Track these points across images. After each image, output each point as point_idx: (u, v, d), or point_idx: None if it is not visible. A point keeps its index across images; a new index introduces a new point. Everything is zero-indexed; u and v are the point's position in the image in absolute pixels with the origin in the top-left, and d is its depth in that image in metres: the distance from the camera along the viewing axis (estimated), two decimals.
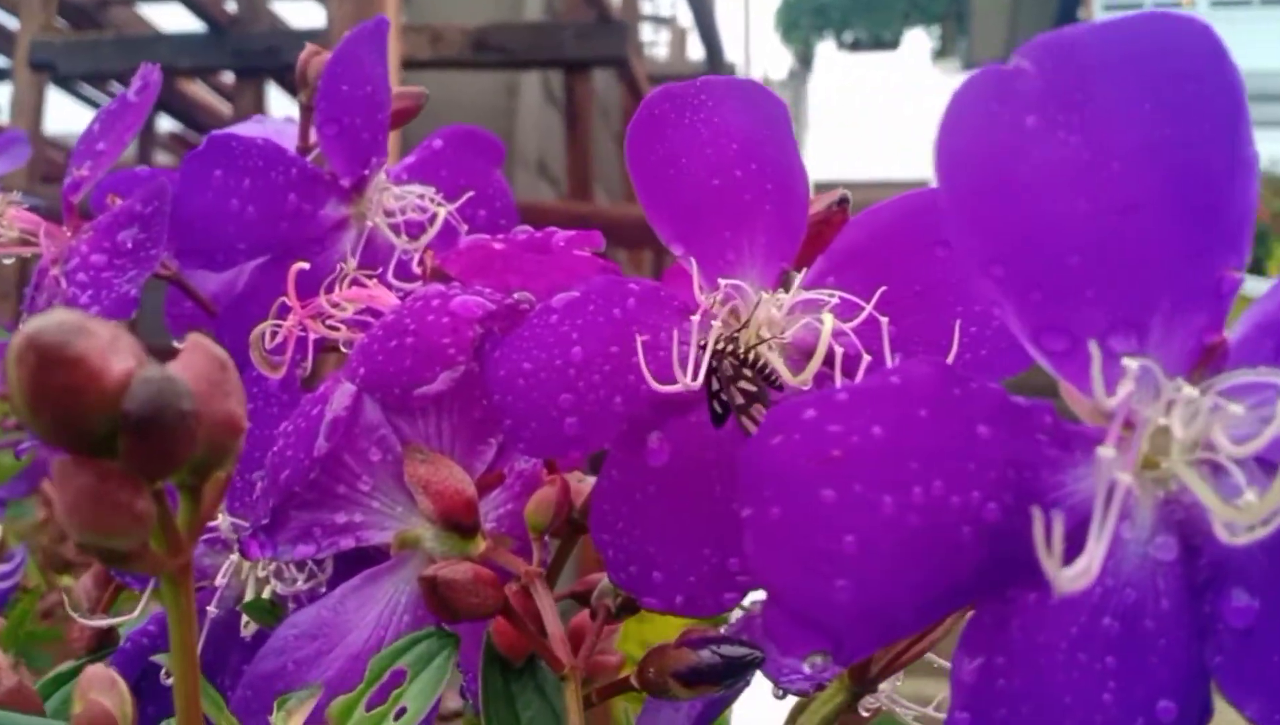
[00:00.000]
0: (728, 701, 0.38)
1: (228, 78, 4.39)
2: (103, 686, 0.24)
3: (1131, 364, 0.21)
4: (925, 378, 0.22)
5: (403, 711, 0.29)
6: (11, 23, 4.64)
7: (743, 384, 0.32)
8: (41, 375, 0.18)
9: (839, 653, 0.22)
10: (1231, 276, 0.22)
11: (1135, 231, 0.21)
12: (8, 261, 0.48)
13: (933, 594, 0.22)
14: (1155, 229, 0.21)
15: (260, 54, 3.47)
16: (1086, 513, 0.22)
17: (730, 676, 0.32)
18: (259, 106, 3.52)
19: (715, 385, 0.32)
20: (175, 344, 0.42)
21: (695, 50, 6.61)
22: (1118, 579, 0.22)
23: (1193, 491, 0.21)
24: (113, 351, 0.18)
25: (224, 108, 5.08)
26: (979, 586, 0.22)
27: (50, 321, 0.17)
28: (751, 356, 0.33)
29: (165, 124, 5.47)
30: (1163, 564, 0.23)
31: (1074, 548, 0.22)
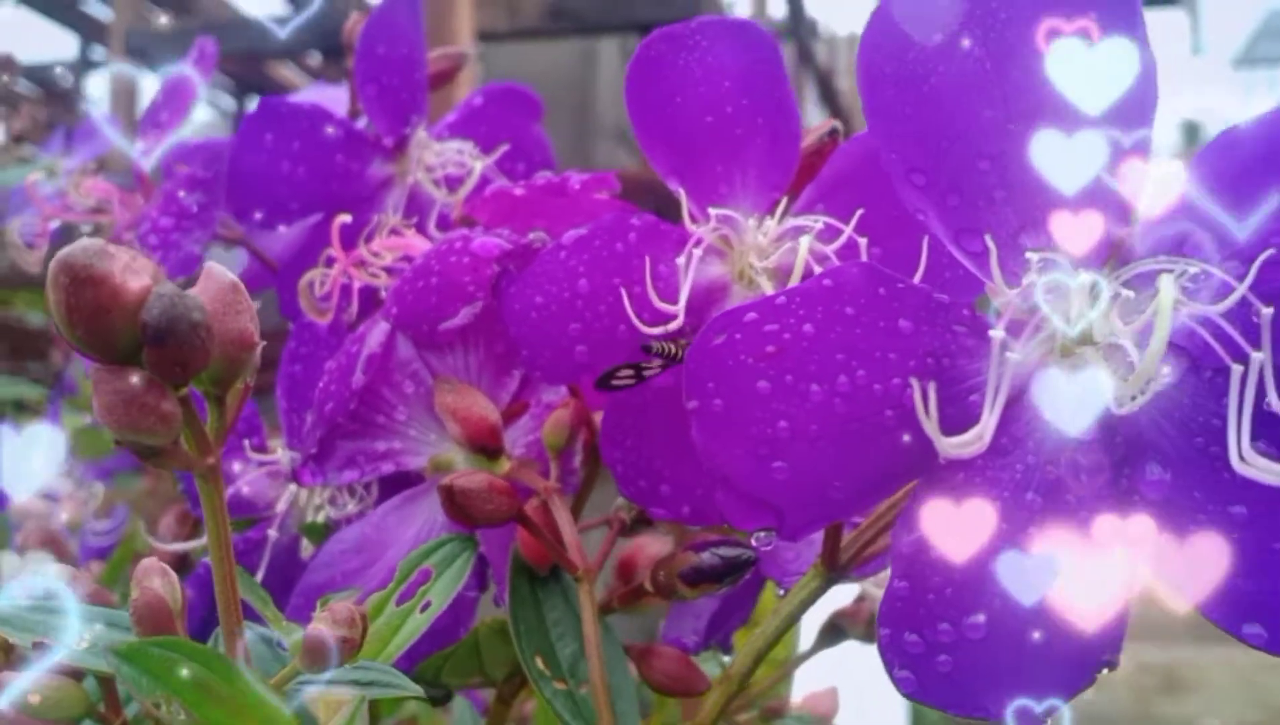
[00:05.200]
0: (741, 607, 0.41)
1: (315, 58, 4.49)
2: (155, 574, 0.27)
3: (1033, 257, 0.23)
4: (853, 279, 0.24)
5: (428, 605, 0.32)
6: (105, 13, 4.80)
7: None
8: (72, 293, 0.21)
9: (784, 528, 0.25)
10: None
11: (1038, 136, 0.23)
12: (86, 229, 0.52)
13: (863, 474, 0.24)
14: (1057, 133, 0.23)
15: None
16: (1009, 396, 0.24)
17: (728, 575, 0.35)
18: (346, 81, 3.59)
19: None
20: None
21: (777, 7, 6.53)
22: (1039, 457, 0.25)
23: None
24: (131, 272, 0.21)
25: None
26: (909, 469, 0.25)
27: (77, 247, 0.21)
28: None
29: None
30: (1083, 443, 0.25)
31: (1002, 426, 0.25)
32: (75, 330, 0.22)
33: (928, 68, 0.24)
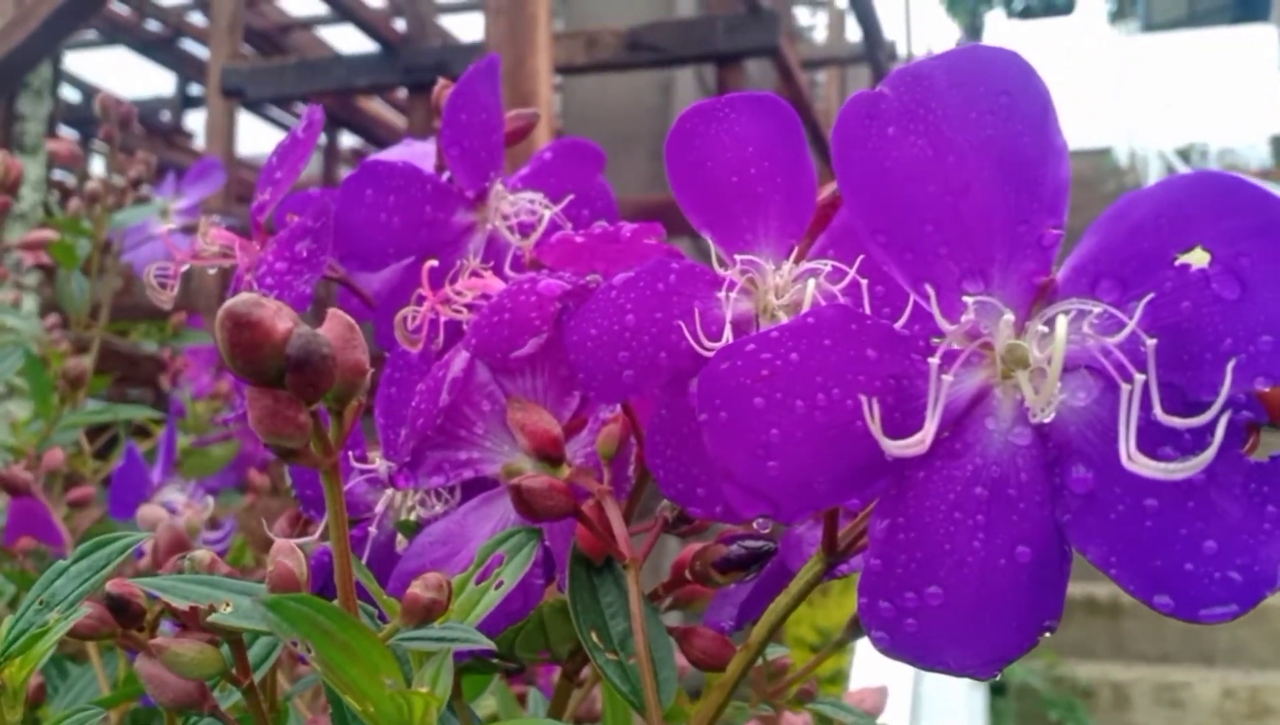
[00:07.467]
0: (770, 595, 0.47)
1: (401, 93, 4.66)
2: (287, 553, 0.35)
3: (969, 300, 0.29)
4: (830, 317, 0.31)
5: (500, 584, 0.39)
6: (202, 52, 5.01)
7: None
8: (235, 334, 0.28)
9: (778, 513, 0.31)
10: (1051, 233, 0.30)
11: (970, 205, 0.29)
12: (211, 272, 0.60)
13: (840, 471, 0.31)
14: (984, 202, 0.29)
15: (430, 69, 3.67)
16: (958, 408, 0.31)
17: (752, 563, 0.41)
18: (432, 119, 3.73)
19: None
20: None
21: (854, 31, 6.57)
22: (985, 459, 0.31)
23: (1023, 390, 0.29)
24: (278, 317, 0.29)
25: (399, 121, 5.38)
26: (878, 468, 0.31)
27: (238, 300, 0.28)
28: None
29: (347, 140, 5.83)
30: (1020, 447, 0.31)
31: (956, 433, 0.31)
32: (236, 361, 0.29)
33: (883, 153, 0.30)
